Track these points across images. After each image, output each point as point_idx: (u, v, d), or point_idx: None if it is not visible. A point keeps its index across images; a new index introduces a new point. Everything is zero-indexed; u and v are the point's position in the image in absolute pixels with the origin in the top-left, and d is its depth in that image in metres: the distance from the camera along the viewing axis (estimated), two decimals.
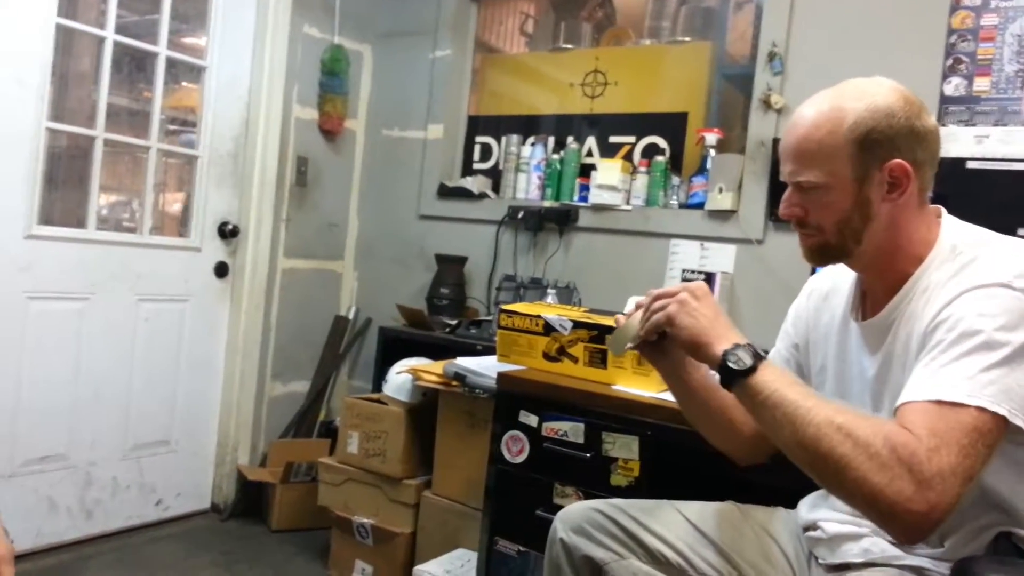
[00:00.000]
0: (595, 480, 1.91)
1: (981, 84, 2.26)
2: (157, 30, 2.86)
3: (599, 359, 2.07)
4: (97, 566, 2.66)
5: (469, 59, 3.47)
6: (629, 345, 1.36)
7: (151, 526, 3.02)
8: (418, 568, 2.35)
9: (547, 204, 3.07)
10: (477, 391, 2.32)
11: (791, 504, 1.46)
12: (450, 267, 3.16)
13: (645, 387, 1.98)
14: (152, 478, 3.02)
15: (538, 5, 3.52)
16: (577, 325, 2.10)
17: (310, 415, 3.45)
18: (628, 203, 2.89)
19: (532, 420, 2.03)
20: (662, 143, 2.97)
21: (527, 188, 3.15)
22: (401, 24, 3.50)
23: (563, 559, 1.47)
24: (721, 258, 2.67)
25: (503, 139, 3.32)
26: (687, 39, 3.03)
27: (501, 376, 2.11)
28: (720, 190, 2.65)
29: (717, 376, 1.19)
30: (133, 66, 2.93)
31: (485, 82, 3.50)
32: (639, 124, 3.03)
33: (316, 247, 3.48)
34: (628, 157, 3.02)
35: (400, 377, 2.65)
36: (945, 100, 2.30)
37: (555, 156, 3.12)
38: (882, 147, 1.16)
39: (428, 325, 3.03)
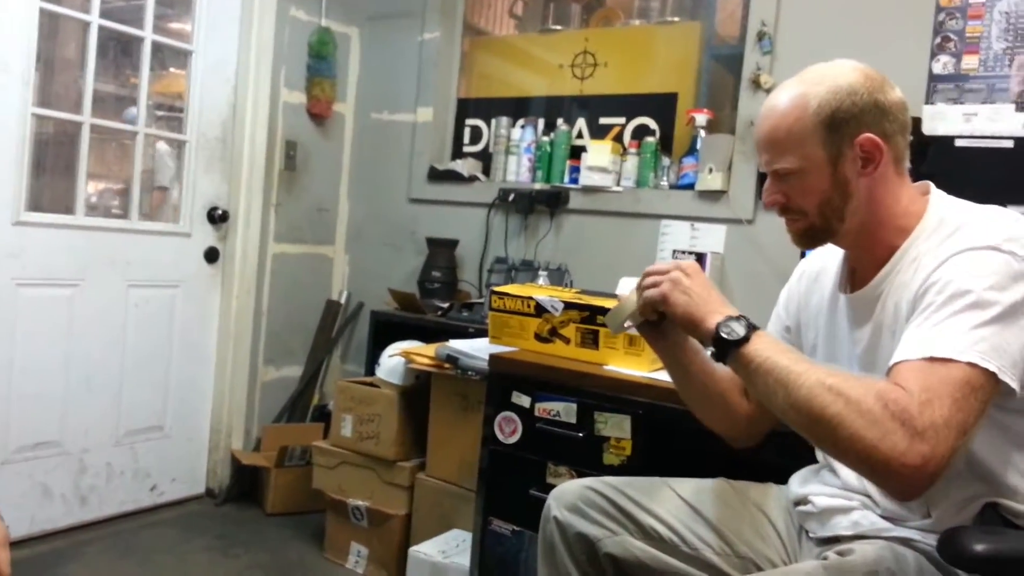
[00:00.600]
0: (588, 459, 1.92)
1: (969, 62, 2.26)
2: (142, 15, 2.84)
3: (591, 340, 2.08)
4: (92, 552, 2.66)
5: (458, 41, 3.46)
6: (627, 324, 1.37)
7: (146, 511, 3.02)
8: (413, 549, 2.37)
9: (538, 186, 3.07)
10: (469, 373, 2.33)
11: (782, 480, 1.48)
12: (441, 250, 3.16)
13: (636, 367, 1.99)
14: (146, 464, 3.02)
15: None
16: (568, 306, 2.11)
17: (303, 399, 3.45)
18: (618, 184, 2.89)
19: (524, 401, 2.04)
20: (652, 124, 2.97)
21: (517, 171, 3.15)
22: (389, 6, 3.48)
23: (557, 537, 1.48)
24: (711, 238, 2.68)
25: (493, 122, 3.31)
26: (676, 19, 3.02)
27: (493, 358, 2.12)
28: (710, 170, 2.66)
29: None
30: (119, 50, 2.91)
31: (474, 64, 3.48)
32: (629, 105, 3.03)
33: (306, 232, 3.47)
34: (618, 138, 3.02)
35: (393, 360, 2.65)
36: (933, 78, 2.30)
37: (545, 138, 3.12)
38: (849, 124, 1.19)
39: (420, 308, 3.03)
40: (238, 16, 3.13)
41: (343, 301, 3.56)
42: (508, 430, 2.06)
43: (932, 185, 1.28)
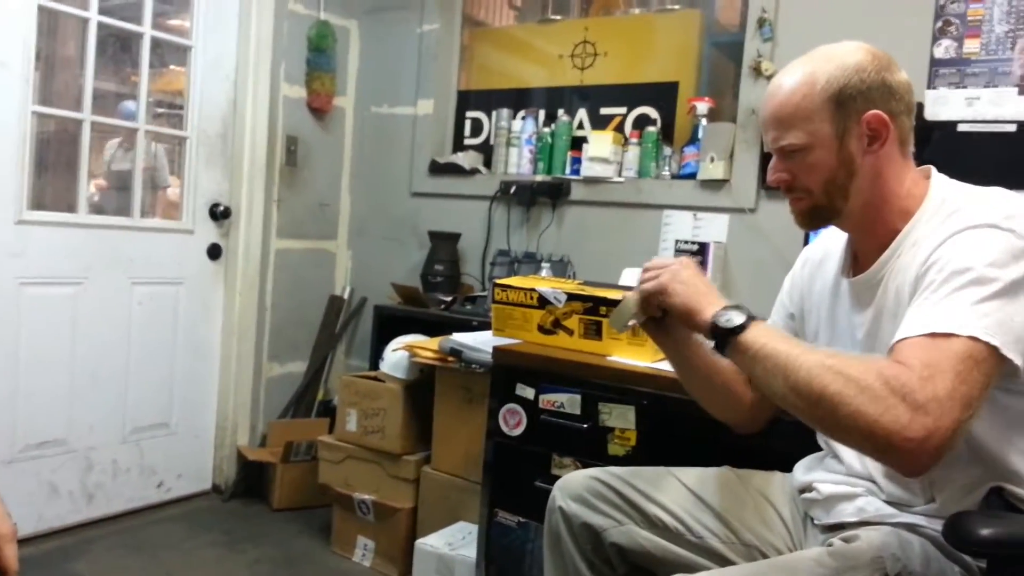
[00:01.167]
0: (593, 450, 1.92)
1: (971, 46, 2.25)
2: (141, 12, 2.83)
3: (594, 331, 2.08)
4: (100, 549, 2.67)
5: (457, 33, 3.44)
6: (631, 322, 1.37)
7: (153, 508, 3.03)
8: (420, 542, 2.38)
9: (539, 178, 3.06)
10: (473, 366, 2.33)
11: (787, 468, 1.48)
12: (443, 244, 3.16)
13: (640, 357, 1.99)
14: (152, 460, 3.03)
15: None
16: (571, 297, 2.10)
17: (308, 395, 3.46)
18: (620, 175, 2.88)
19: (529, 393, 2.04)
20: (653, 113, 2.96)
21: (519, 162, 3.14)
22: None
23: (562, 527, 1.49)
24: (714, 228, 2.67)
25: (493, 113, 3.30)
26: (676, 7, 3.01)
27: (497, 350, 2.12)
28: (712, 159, 2.65)
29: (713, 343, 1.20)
30: (118, 47, 2.91)
31: (474, 56, 3.47)
32: (630, 95, 3.02)
33: (309, 227, 3.47)
34: (619, 128, 3.01)
35: (396, 354, 2.66)
36: (935, 63, 2.29)
37: (546, 129, 3.11)
38: (856, 101, 1.19)
39: (423, 302, 3.03)
40: (237, 11, 3.12)
41: (346, 296, 3.56)
42: (513, 422, 2.06)
43: (934, 169, 1.27)
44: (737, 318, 1.15)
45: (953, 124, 2.23)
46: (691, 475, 1.48)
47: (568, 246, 2.97)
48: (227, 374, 3.23)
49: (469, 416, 2.44)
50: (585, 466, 1.84)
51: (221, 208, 3.13)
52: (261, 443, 3.31)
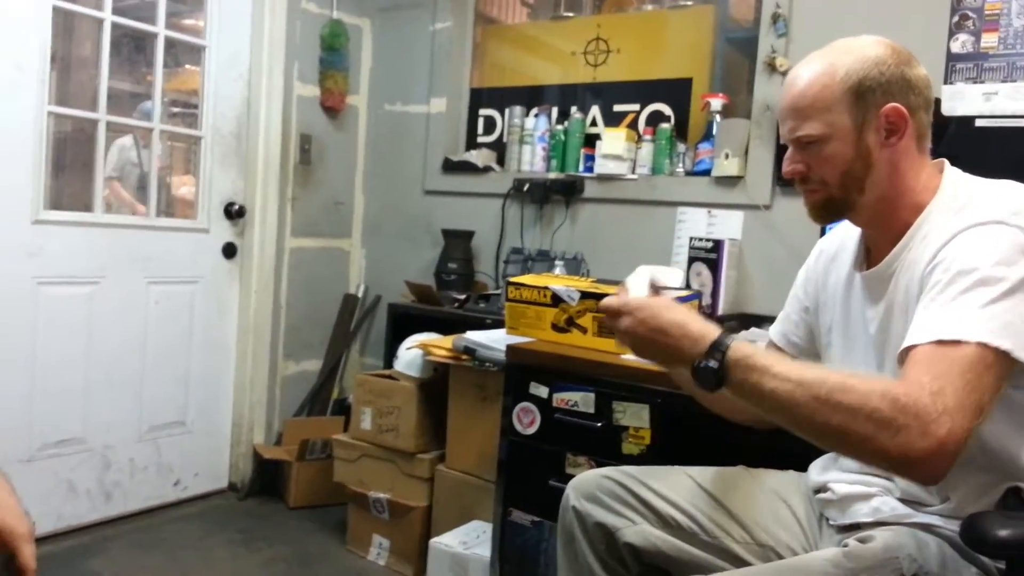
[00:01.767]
0: (607, 449, 1.92)
1: (989, 40, 2.22)
2: (155, 12, 2.85)
3: (608, 329, 2.06)
4: (117, 547, 2.69)
5: (469, 30, 3.44)
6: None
7: (170, 506, 3.05)
8: (434, 540, 2.38)
9: (552, 176, 3.05)
10: (487, 364, 2.33)
11: (802, 467, 1.47)
12: (457, 242, 3.16)
13: None
14: (169, 459, 3.05)
15: None
16: (585, 295, 2.09)
17: (323, 393, 3.47)
18: (634, 172, 2.87)
19: (542, 391, 2.03)
20: (667, 110, 2.94)
21: (532, 160, 3.14)
22: None
23: (576, 527, 1.48)
24: (729, 225, 2.65)
25: (506, 111, 3.29)
26: (689, 3, 2.99)
27: (510, 348, 2.11)
28: (726, 156, 2.63)
29: None
30: (132, 47, 2.93)
31: (486, 54, 3.47)
32: (643, 91, 3.00)
33: (323, 225, 3.48)
34: (633, 125, 2.99)
35: (411, 353, 2.66)
36: (952, 58, 2.26)
37: (559, 127, 3.10)
38: (875, 93, 1.18)
39: (437, 300, 3.03)
40: (250, 10, 3.13)
41: (360, 294, 3.57)
42: (526, 421, 2.06)
43: (947, 162, 1.27)
44: (710, 373, 1.09)
45: (970, 119, 2.21)
46: (705, 474, 1.47)
47: (582, 244, 2.96)
48: (243, 372, 3.25)
49: (483, 415, 2.44)
50: (599, 465, 1.84)
51: (236, 207, 3.14)
52: (277, 441, 3.32)
